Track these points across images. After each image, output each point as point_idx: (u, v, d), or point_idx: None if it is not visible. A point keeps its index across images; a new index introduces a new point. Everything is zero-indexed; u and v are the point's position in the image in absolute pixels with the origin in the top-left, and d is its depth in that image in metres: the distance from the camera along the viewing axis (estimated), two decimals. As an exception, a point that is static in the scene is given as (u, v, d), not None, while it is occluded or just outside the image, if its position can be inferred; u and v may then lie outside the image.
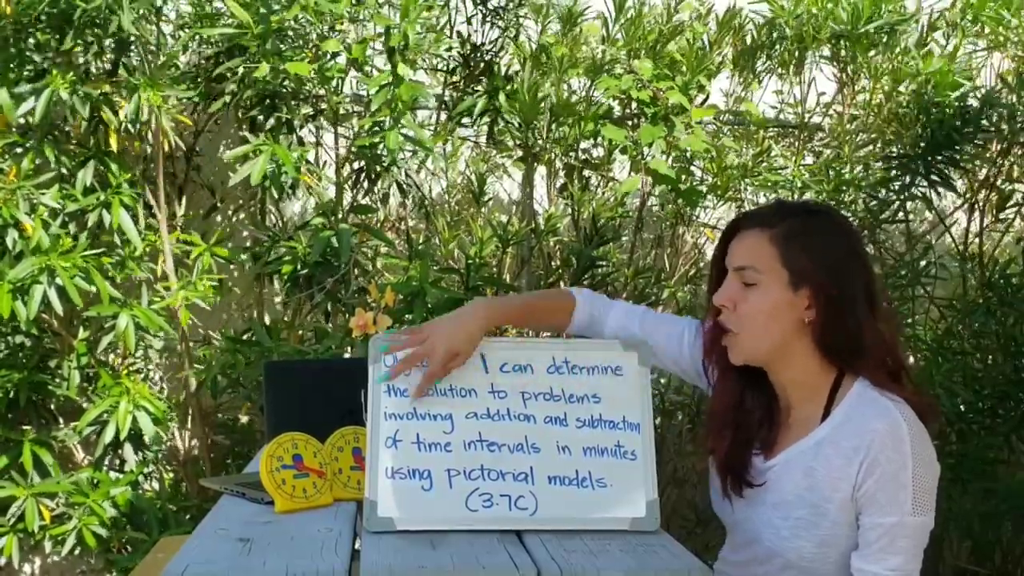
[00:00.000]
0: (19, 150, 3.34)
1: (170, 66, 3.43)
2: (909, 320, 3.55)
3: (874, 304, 1.62)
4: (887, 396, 1.60)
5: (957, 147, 3.30)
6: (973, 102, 3.45)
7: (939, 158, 3.30)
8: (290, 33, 3.40)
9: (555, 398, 1.64)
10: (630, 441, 1.61)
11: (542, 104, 3.39)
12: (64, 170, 3.36)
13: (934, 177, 3.34)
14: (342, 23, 3.33)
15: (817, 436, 1.64)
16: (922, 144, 3.32)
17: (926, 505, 1.54)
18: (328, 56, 3.35)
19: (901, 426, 1.55)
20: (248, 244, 3.79)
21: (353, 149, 3.52)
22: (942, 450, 3.43)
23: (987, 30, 3.61)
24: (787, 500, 1.65)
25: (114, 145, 3.33)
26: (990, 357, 3.51)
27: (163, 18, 3.49)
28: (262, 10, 3.22)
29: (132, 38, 3.32)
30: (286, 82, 3.37)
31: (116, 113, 3.28)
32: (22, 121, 3.32)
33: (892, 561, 1.56)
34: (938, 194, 3.44)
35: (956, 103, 3.30)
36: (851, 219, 3.56)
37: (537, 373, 1.65)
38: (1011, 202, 3.77)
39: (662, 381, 3.79)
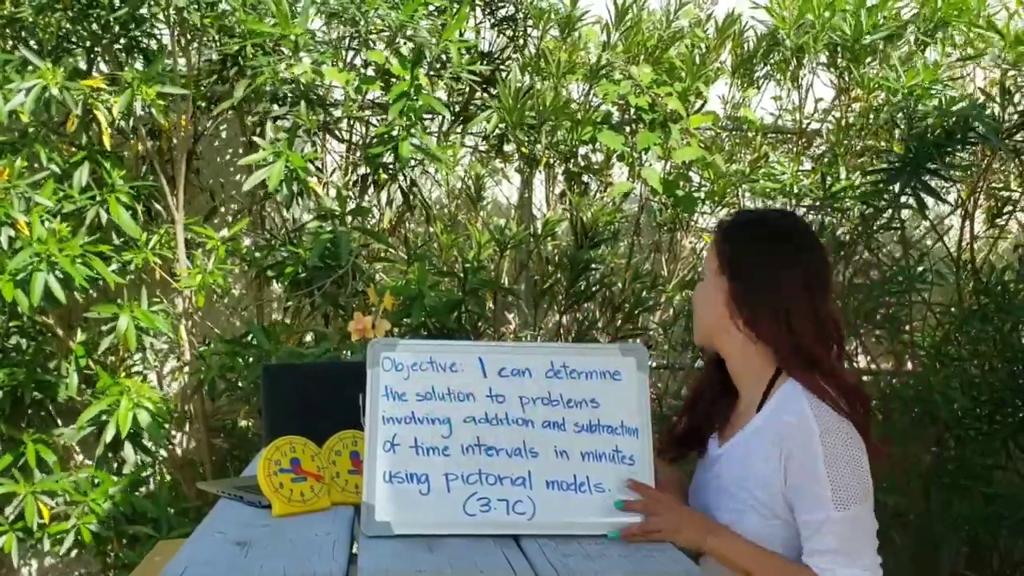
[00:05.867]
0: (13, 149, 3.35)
1: (170, 69, 3.44)
2: (907, 326, 3.55)
3: (784, 307, 1.68)
4: (807, 394, 1.64)
5: (943, 159, 3.30)
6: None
7: (924, 169, 3.30)
8: (320, 37, 3.42)
9: (553, 403, 1.64)
10: (628, 446, 1.62)
11: (529, 106, 3.39)
12: (58, 169, 3.37)
13: (919, 188, 3.33)
14: (382, 31, 3.34)
15: (752, 426, 1.71)
16: (909, 155, 3.32)
17: (850, 497, 1.57)
18: (363, 65, 3.36)
19: (809, 420, 1.59)
20: (248, 247, 3.79)
21: (360, 156, 3.53)
22: (940, 455, 3.45)
23: (961, 39, 3.63)
24: (728, 488, 1.71)
25: (107, 143, 3.34)
26: (987, 363, 3.51)
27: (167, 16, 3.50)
28: (299, 8, 3.24)
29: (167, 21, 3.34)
30: (294, 85, 3.38)
31: (109, 111, 3.29)
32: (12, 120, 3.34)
33: (826, 557, 1.59)
34: (924, 205, 3.44)
35: (938, 117, 3.30)
36: (846, 223, 3.57)
37: (535, 377, 1.65)
38: (1005, 208, 3.78)
39: (659, 386, 3.79)
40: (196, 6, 3.30)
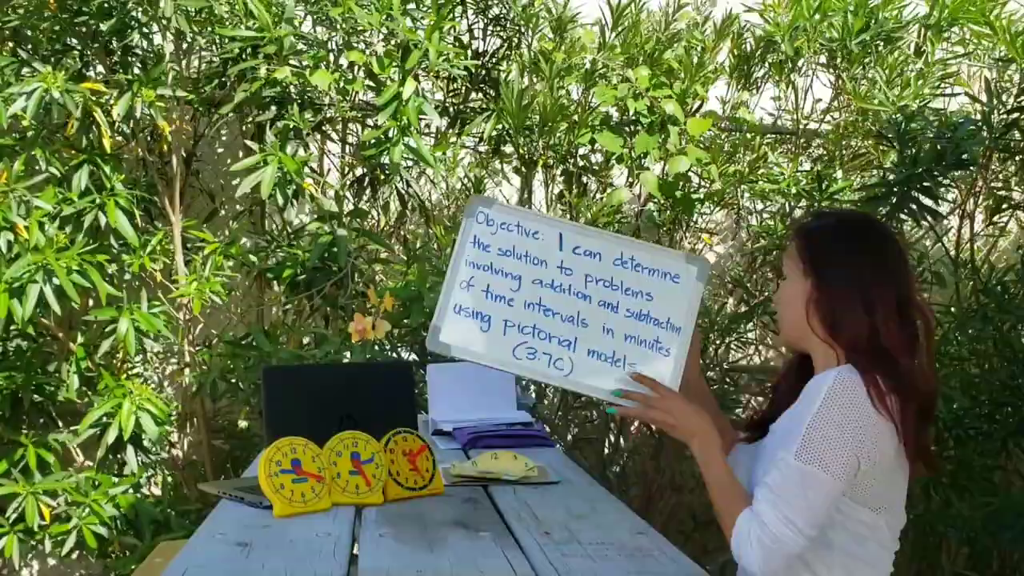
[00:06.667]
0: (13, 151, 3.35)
1: (181, 73, 3.44)
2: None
3: (870, 304, 1.67)
4: (851, 370, 1.63)
5: (934, 179, 3.30)
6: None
7: (917, 188, 3.30)
8: (309, 39, 3.41)
9: (613, 287, 1.81)
10: (669, 340, 1.78)
11: (530, 110, 3.39)
12: (56, 172, 3.37)
13: (913, 205, 3.34)
14: (367, 31, 3.34)
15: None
16: (900, 173, 3.32)
17: (814, 457, 1.56)
18: (347, 66, 3.36)
19: (826, 384, 1.60)
20: (248, 249, 3.79)
21: (356, 156, 3.53)
22: (940, 455, 3.44)
23: (967, 35, 3.63)
24: (768, 453, 1.72)
25: (107, 146, 3.34)
26: (987, 363, 3.51)
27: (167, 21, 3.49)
28: (289, 15, 3.24)
29: (156, 26, 3.34)
30: (292, 88, 3.38)
31: (108, 113, 3.29)
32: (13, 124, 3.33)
33: (763, 491, 1.60)
34: (918, 218, 3.44)
35: (931, 140, 3.30)
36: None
37: (604, 262, 1.82)
38: (1003, 207, 3.77)
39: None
40: (184, 12, 3.29)
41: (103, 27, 3.34)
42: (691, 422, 1.71)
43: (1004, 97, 3.51)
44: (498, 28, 3.77)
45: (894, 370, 1.63)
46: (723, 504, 1.64)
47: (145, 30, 3.47)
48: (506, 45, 3.77)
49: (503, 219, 1.82)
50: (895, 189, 3.31)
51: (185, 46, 3.62)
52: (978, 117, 3.51)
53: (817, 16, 3.50)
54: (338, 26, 3.30)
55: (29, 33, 3.43)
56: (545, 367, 1.77)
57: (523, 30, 3.71)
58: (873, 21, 3.53)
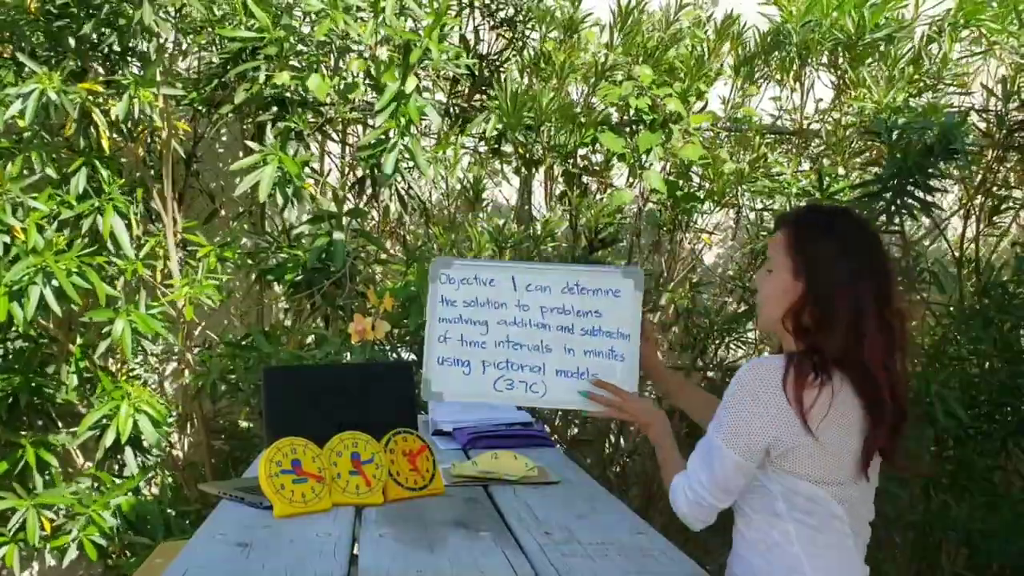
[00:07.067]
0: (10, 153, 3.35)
1: (167, 71, 3.43)
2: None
3: (852, 304, 1.69)
4: (782, 358, 1.69)
5: (925, 174, 3.30)
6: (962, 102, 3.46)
7: (909, 182, 3.31)
8: (309, 42, 3.41)
9: (566, 312, 2.06)
10: (621, 347, 2.04)
11: (528, 107, 3.39)
12: (53, 173, 3.36)
13: (908, 201, 3.34)
14: (363, 34, 3.34)
15: None
16: (893, 170, 3.33)
17: (721, 433, 1.71)
18: (346, 70, 3.36)
19: (742, 368, 1.73)
20: (248, 250, 3.79)
21: (357, 158, 3.53)
22: (940, 455, 3.44)
23: (982, 33, 3.63)
24: None
25: (105, 147, 3.33)
26: (987, 363, 3.51)
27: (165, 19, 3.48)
28: (288, 20, 3.24)
29: (141, 34, 3.33)
30: (292, 89, 3.37)
31: (107, 114, 3.28)
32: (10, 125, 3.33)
33: (692, 453, 1.79)
34: (913, 217, 3.44)
35: (919, 132, 3.31)
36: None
37: (554, 292, 2.07)
38: (1004, 206, 3.77)
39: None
40: (164, 16, 3.28)
41: (86, 29, 3.32)
42: (646, 416, 1.97)
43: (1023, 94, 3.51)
44: (504, 29, 3.77)
45: (865, 373, 1.67)
46: (666, 473, 1.85)
47: (146, 32, 3.46)
48: (510, 47, 3.77)
49: (462, 275, 2.09)
50: (889, 184, 3.32)
51: (184, 46, 3.61)
52: (978, 112, 3.52)
53: (835, 14, 3.51)
54: (335, 30, 3.30)
55: (29, 34, 3.42)
56: (523, 393, 2.05)
57: (528, 31, 3.71)
58: (872, 25, 3.53)
